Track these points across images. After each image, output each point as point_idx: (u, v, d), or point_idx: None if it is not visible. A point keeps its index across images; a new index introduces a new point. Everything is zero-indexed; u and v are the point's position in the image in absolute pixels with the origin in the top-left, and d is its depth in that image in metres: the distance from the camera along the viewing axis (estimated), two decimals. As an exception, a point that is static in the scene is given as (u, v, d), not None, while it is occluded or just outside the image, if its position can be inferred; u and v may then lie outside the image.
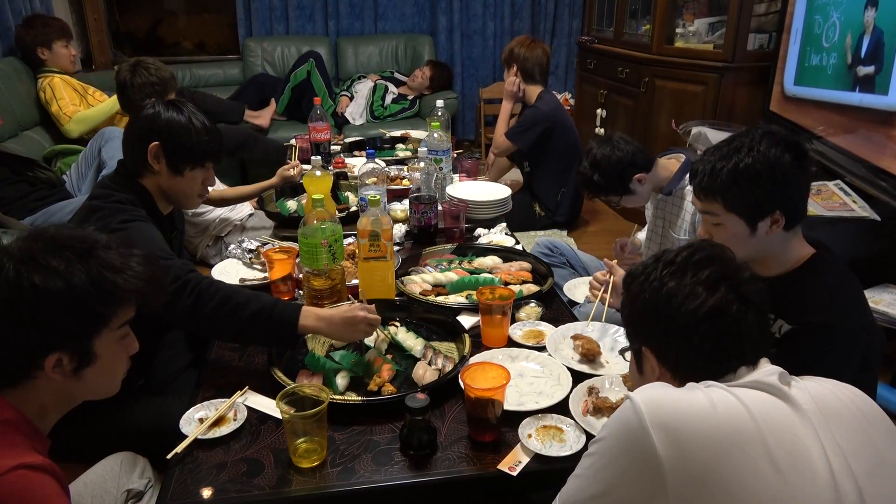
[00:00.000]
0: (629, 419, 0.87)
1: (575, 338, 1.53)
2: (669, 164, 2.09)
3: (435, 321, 1.64)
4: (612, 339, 1.57)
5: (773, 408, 0.87)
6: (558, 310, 1.75)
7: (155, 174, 1.62)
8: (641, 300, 1.00)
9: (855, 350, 1.23)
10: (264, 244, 2.05)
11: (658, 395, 0.88)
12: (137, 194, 1.61)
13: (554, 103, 3.52)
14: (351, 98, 4.69)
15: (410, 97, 4.73)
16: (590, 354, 1.48)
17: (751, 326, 0.95)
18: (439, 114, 2.72)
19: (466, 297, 1.76)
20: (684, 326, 0.95)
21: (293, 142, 3.14)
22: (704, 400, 0.86)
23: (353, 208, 2.40)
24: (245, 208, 3.17)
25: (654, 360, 1.00)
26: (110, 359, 1.04)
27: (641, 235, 2.36)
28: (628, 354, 1.12)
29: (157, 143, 1.59)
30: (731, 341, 0.94)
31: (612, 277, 1.67)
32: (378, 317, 1.46)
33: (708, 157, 1.39)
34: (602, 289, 1.68)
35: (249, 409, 1.32)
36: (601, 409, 1.28)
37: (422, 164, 2.38)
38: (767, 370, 0.93)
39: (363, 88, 4.72)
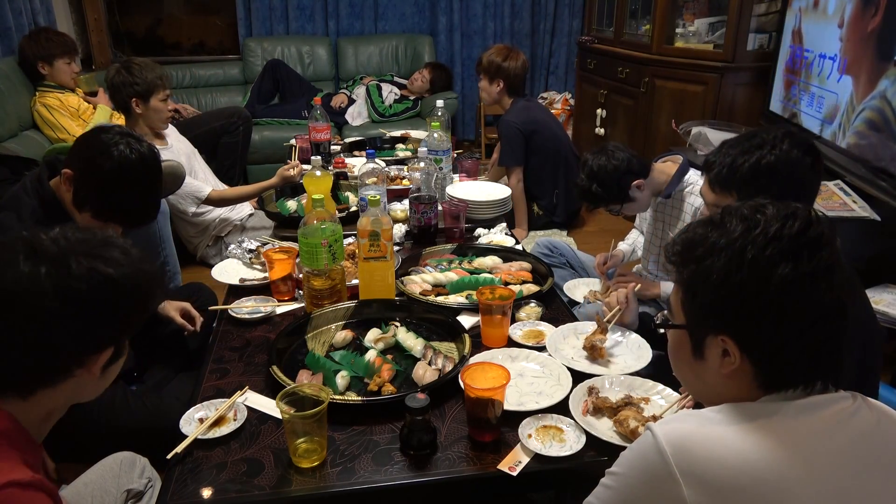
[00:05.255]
0: (653, 460, 0.79)
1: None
2: (666, 167, 2.09)
3: (435, 321, 1.64)
4: (612, 340, 1.57)
5: (831, 448, 0.79)
6: (558, 310, 1.75)
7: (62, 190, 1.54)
8: (735, 282, 0.81)
9: (855, 337, 1.20)
10: (264, 244, 2.05)
11: (684, 435, 0.79)
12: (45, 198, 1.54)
13: (523, 110, 3.40)
14: (349, 98, 4.68)
15: (412, 98, 4.72)
16: (594, 349, 1.48)
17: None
18: (439, 114, 2.72)
19: (466, 297, 1.76)
20: (806, 321, 0.80)
21: (293, 142, 3.15)
22: (739, 442, 0.78)
23: (353, 208, 2.40)
24: (245, 208, 3.17)
25: (735, 350, 0.83)
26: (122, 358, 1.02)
27: (622, 246, 2.36)
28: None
29: (70, 172, 1.50)
30: (837, 342, 0.83)
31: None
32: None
33: (727, 150, 1.39)
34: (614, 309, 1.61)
35: (249, 409, 1.32)
36: (601, 409, 1.28)
37: (422, 164, 2.38)
38: (839, 396, 0.84)
39: (361, 91, 4.71)
